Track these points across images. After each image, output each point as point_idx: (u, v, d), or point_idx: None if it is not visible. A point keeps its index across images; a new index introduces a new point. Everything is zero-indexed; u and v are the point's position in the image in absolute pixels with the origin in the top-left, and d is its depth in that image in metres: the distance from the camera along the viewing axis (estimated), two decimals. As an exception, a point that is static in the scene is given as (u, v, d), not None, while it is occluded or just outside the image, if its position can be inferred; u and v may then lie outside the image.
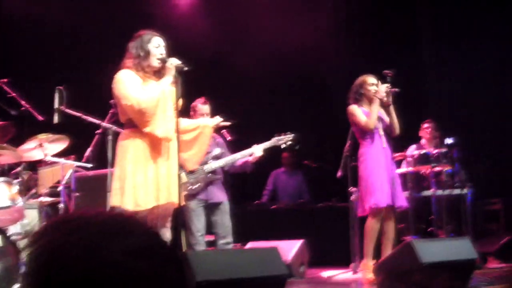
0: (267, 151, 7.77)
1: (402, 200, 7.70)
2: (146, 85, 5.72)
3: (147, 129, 5.63)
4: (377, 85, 7.63)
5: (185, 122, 6.22)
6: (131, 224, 1.29)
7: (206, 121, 6.60)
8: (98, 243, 1.24)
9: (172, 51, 5.93)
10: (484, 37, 11.18)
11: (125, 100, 5.64)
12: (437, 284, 1.45)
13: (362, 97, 7.68)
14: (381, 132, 7.62)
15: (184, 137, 6.08)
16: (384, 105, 7.63)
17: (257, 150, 7.69)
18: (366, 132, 7.56)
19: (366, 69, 7.92)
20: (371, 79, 7.69)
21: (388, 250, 7.36)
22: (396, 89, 7.55)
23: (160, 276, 1.23)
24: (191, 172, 7.37)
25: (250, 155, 7.74)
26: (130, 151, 5.67)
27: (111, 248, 1.23)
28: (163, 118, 5.69)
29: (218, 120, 6.78)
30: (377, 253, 7.46)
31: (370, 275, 7.10)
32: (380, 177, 7.44)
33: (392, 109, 7.61)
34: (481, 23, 11.22)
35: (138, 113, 5.61)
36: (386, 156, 7.59)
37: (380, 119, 7.63)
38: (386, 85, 7.52)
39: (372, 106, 7.52)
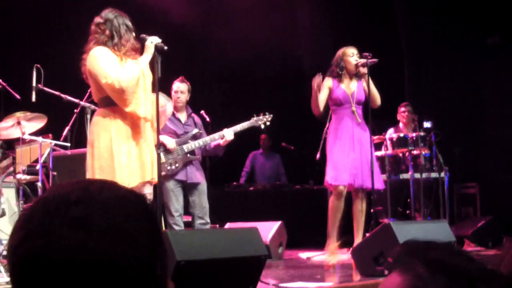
0: (243, 132, 7.76)
1: (377, 182, 7.42)
2: (126, 64, 5.67)
3: (128, 109, 5.57)
4: (357, 55, 7.52)
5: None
6: (89, 193, 1.24)
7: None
8: (45, 211, 1.21)
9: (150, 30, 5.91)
10: (465, 19, 11.22)
11: (104, 78, 5.54)
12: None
13: (342, 70, 7.55)
14: (353, 108, 7.49)
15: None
16: (360, 76, 7.55)
17: (227, 134, 7.65)
18: (337, 107, 7.50)
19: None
20: (350, 50, 7.56)
21: (357, 232, 7.36)
22: (375, 60, 7.36)
23: (102, 250, 1.18)
24: (168, 152, 7.35)
25: (221, 138, 7.70)
26: (111, 130, 5.62)
27: (55, 216, 1.20)
28: (144, 97, 5.65)
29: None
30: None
31: (331, 258, 7.08)
32: (343, 154, 7.34)
33: (369, 80, 7.41)
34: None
35: (119, 91, 5.53)
36: (358, 132, 7.45)
37: (353, 94, 7.52)
38: (363, 60, 7.38)
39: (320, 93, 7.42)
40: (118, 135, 5.62)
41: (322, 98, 7.40)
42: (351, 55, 7.49)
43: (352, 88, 7.60)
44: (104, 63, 5.58)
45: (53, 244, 1.17)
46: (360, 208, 7.36)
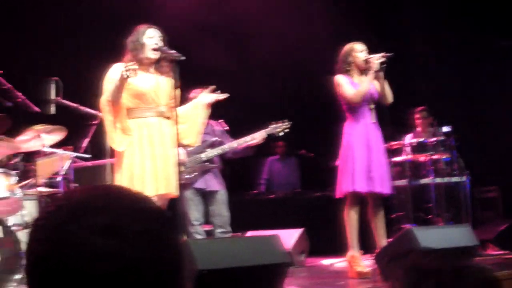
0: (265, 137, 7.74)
1: (389, 186, 7.15)
2: (137, 78, 5.75)
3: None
4: (366, 51, 7.13)
5: (181, 109, 6.14)
6: (111, 200, 1.23)
7: (202, 99, 6.39)
8: (66, 220, 1.19)
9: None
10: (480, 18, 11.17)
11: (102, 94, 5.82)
12: (433, 263, 1.44)
13: (350, 66, 7.11)
14: (371, 106, 7.11)
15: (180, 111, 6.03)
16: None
17: (257, 136, 7.63)
18: (354, 106, 7.02)
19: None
20: (359, 46, 7.16)
21: (380, 239, 6.99)
22: (390, 54, 7.00)
23: (137, 256, 1.17)
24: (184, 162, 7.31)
25: (252, 139, 7.65)
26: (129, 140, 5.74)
27: (79, 225, 1.18)
28: (115, 129, 5.79)
29: (213, 96, 6.38)
30: (367, 243, 7.23)
31: (359, 268, 6.84)
32: (361, 159, 6.93)
33: (383, 76, 7.05)
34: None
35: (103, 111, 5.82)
36: (373, 133, 7.07)
37: (369, 91, 7.06)
38: (379, 54, 6.99)
39: (365, 77, 6.96)
40: (132, 146, 5.69)
41: (363, 87, 6.95)
42: (361, 50, 7.13)
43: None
44: (107, 81, 5.80)
45: (85, 253, 1.15)
46: (379, 213, 7.09)
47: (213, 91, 6.29)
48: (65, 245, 1.16)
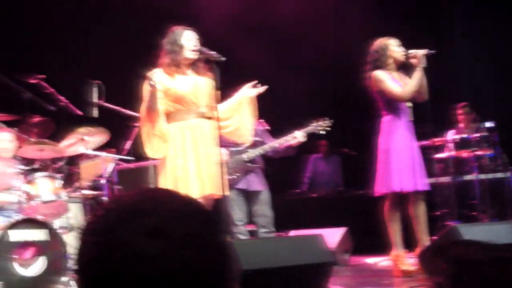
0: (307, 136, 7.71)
1: (426, 182, 7.01)
2: (174, 81, 5.80)
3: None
4: (401, 46, 6.97)
5: (224, 105, 6.13)
6: (158, 203, 1.24)
7: (244, 93, 6.41)
8: (115, 223, 1.21)
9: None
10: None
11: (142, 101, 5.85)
12: (476, 255, 1.43)
13: (385, 61, 6.93)
14: (410, 104, 6.98)
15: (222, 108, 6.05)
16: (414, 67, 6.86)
17: (299, 135, 7.60)
18: (394, 103, 6.88)
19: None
20: (394, 41, 6.99)
21: (422, 236, 6.87)
22: (432, 51, 6.81)
23: (183, 258, 1.18)
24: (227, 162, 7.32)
25: (293, 139, 7.63)
26: (169, 145, 5.82)
27: (127, 228, 1.19)
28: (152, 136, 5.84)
29: (255, 90, 6.30)
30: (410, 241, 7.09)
31: (404, 266, 6.78)
32: (403, 157, 6.81)
33: (421, 72, 6.80)
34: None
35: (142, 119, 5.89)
36: (411, 131, 6.96)
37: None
38: (424, 51, 6.77)
39: (415, 74, 6.76)
40: (175, 149, 5.72)
41: (413, 84, 6.81)
42: (397, 45, 6.98)
43: (402, 81, 7.01)
44: (144, 87, 5.82)
45: (133, 255, 1.17)
46: (421, 210, 6.93)
47: (254, 85, 6.26)
48: (113, 247, 1.18)
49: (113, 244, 1.19)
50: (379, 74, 6.88)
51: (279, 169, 9.32)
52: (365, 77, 7.01)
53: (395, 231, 6.95)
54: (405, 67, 7.00)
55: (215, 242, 1.24)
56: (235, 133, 6.23)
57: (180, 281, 1.17)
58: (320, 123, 7.75)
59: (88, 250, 1.22)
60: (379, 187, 6.96)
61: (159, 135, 5.78)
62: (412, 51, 6.88)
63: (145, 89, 5.77)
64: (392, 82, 6.86)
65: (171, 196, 1.28)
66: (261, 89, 6.23)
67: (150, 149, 5.84)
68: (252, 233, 7.81)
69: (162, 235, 1.18)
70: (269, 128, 8.05)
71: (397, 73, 6.99)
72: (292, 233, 8.12)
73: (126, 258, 1.17)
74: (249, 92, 6.19)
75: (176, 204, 1.25)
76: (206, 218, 1.27)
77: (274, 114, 7.93)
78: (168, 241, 1.18)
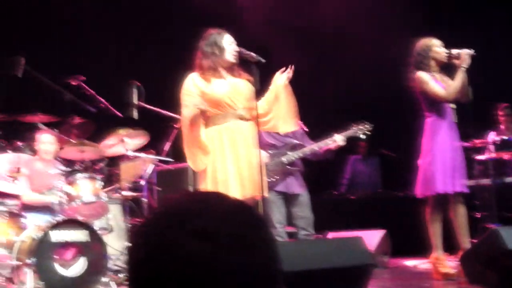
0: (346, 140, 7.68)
1: (465, 184, 6.91)
2: (211, 85, 5.78)
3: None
4: (443, 47, 6.90)
5: (261, 102, 6.05)
6: (207, 206, 1.25)
7: (277, 82, 6.16)
8: (164, 225, 1.23)
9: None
10: None
11: (182, 107, 5.82)
12: None
13: (428, 62, 6.88)
14: (453, 105, 6.90)
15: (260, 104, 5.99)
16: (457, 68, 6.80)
17: (339, 139, 7.57)
18: (438, 104, 6.82)
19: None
20: (437, 41, 6.93)
21: (463, 239, 6.80)
22: (472, 51, 6.73)
23: (230, 260, 1.19)
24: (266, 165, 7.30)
25: (332, 142, 7.59)
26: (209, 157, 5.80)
27: (176, 230, 1.21)
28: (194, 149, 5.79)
29: (284, 76, 6.10)
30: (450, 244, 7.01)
31: (445, 269, 6.72)
32: (446, 158, 6.75)
33: (463, 73, 6.73)
34: None
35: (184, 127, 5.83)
36: (455, 132, 6.89)
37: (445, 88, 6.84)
38: (467, 50, 6.71)
39: (458, 75, 6.69)
40: (214, 152, 5.72)
41: (456, 85, 6.74)
42: (440, 46, 6.91)
43: (444, 82, 6.94)
44: (184, 92, 5.82)
45: (181, 257, 1.18)
46: (462, 213, 6.85)
47: (282, 72, 6.15)
48: (162, 249, 1.20)
49: (162, 246, 1.20)
50: (422, 75, 6.84)
51: (317, 171, 9.30)
52: (408, 78, 6.97)
53: (436, 233, 6.89)
54: (447, 68, 6.94)
55: (263, 244, 1.24)
56: (277, 125, 6.12)
57: (227, 283, 1.18)
58: (360, 126, 7.69)
59: (138, 252, 1.24)
60: (422, 189, 6.90)
61: (201, 147, 5.76)
62: (455, 52, 6.81)
63: (187, 92, 5.76)
64: (435, 84, 6.82)
65: (219, 199, 1.28)
66: (290, 71, 6.11)
67: (193, 161, 5.81)
68: (291, 235, 7.80)
69: (210, 237, 1.19)
70: (307, 130, 8.03)
71: (440, 74, 6.93)
72: (331, 235, 8.10)
73: (174, 259, 1.18)
74: (280, 80, 6.09)
75: (225, 207, 1.26)
76: (255, 220, 1.27)
77: (313, 116, 7.89)
78: (216, 243, 1.19)
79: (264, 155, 7.07)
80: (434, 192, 6.80)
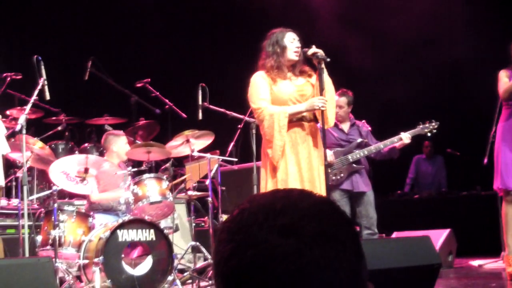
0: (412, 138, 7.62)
1: None
2: (276, 86, 5.77)
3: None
4: None
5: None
6: (291, 202, 1.26)
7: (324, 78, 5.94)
8: (248, 222, 1.24)
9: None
10: None
11: (252, 103, 5.82)
12: None
13: None
14: None
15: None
16: None
17: (405, 137, 7.52)
18: (507, 102, 6.75)
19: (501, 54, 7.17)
20: None
21: None
22: None
23: (314, 256, 1.19)
24: (331, 163, 7.29)
25: (398, 140, 7.55)
26: (270, 149, 5.77)
27: (261, 225, 1.22)
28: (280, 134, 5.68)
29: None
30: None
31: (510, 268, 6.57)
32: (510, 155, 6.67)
33: None
34: None
35: (261, 121, 5.76)
36: None
37: None
38: None
39: None
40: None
41: (506, 87, 6.66)
42: None
43: None
44: (254, 90, 5.81)
45: (266, 253, 1.20)
46: None
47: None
48: (246, 245, 1.22)
49: (247, 242, 1.22)
50: (500, 73, 6.78)
51: (382, 170, 9.27)
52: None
53: (508, 231, 6.74)
54: None
55: (347, 240, 1.25)
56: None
57: (313, 278, 1.19)
58: (427, 125, 7.64)
59: (223, 248, 1.26)
60: (498, 183, 6.79)
61: (280, 142, 5.71)
62: None
63: (255, 87, 5.77)
64: (502, 82, 6.72)
65: (303, 196, 1.30)
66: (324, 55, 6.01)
67: (274, 151, 5.72)
68: (354, 234, 7.76)
69: (294, 233, 1.21)
70: (370, 129, 8.00)
71: None
72: (395, 234, 8.06)
73: (259, 255, 1.20)
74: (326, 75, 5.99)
75: (309, 204, 1.27)
76: (339, 216, 1.29)
77: (380, 115, 7.86)
78: (300, 240, 1.20)
79: (330, 154, 7.08)
80: (503, 187, 6.71)
